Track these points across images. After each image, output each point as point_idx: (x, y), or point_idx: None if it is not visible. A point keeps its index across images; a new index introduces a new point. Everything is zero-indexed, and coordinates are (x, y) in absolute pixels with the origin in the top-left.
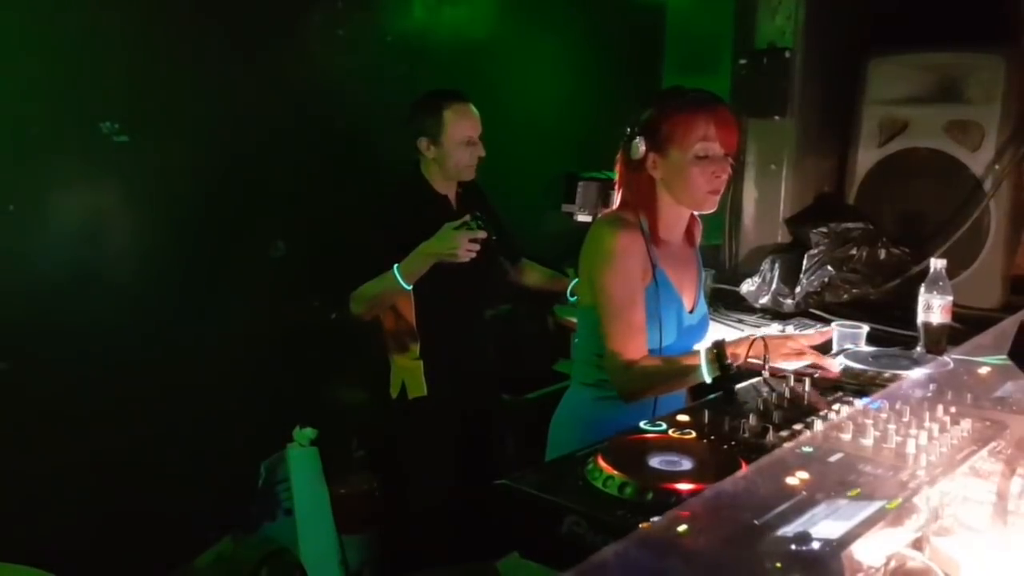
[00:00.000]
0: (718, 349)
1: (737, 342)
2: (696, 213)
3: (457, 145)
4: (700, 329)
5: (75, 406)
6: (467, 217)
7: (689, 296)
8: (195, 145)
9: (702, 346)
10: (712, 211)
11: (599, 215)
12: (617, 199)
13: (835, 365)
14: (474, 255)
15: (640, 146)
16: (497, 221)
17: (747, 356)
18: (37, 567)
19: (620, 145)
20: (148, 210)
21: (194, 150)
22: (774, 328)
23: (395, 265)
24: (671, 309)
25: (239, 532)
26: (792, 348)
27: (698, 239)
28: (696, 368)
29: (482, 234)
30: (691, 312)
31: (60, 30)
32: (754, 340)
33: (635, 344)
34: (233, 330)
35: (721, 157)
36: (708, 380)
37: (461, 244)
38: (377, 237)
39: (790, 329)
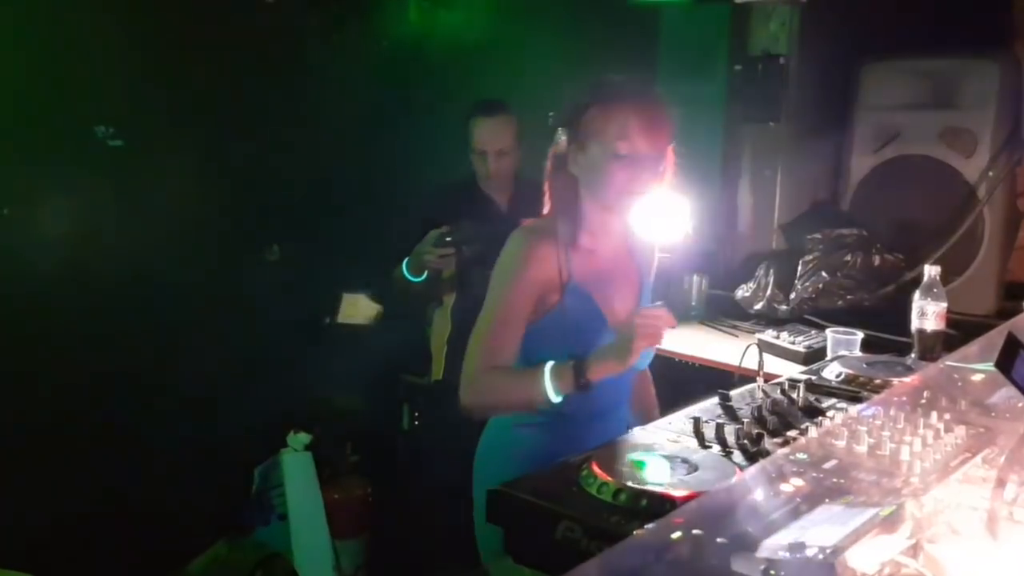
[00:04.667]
0: (576, 367)
1: (594, 360)
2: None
3: (475, 155)
4: None
5: (70, 409)
6: (444, 228)
7: (618, 313)
8: (190, 149)
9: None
10: (629, 215)
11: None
12: (546, 203)
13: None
14: (442, 267)
15: (560, 138)
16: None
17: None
18: (30, 572)
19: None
20: (143, 214)
21: (189, 154)
22: (768, 334)
23: (405, 259)
24: (588, 326)
25: (233, 537)
26: (641, 349)
27: (646, 251)
28: (540, 383)
29: (448, 250)
30: None
31: (55, 35)
32: (604, 354)
33: (495, 356)
34: (227, 335)
35: (644, 156)
36: (555, 399)
37: (430, 254)
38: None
39: (785, 335)
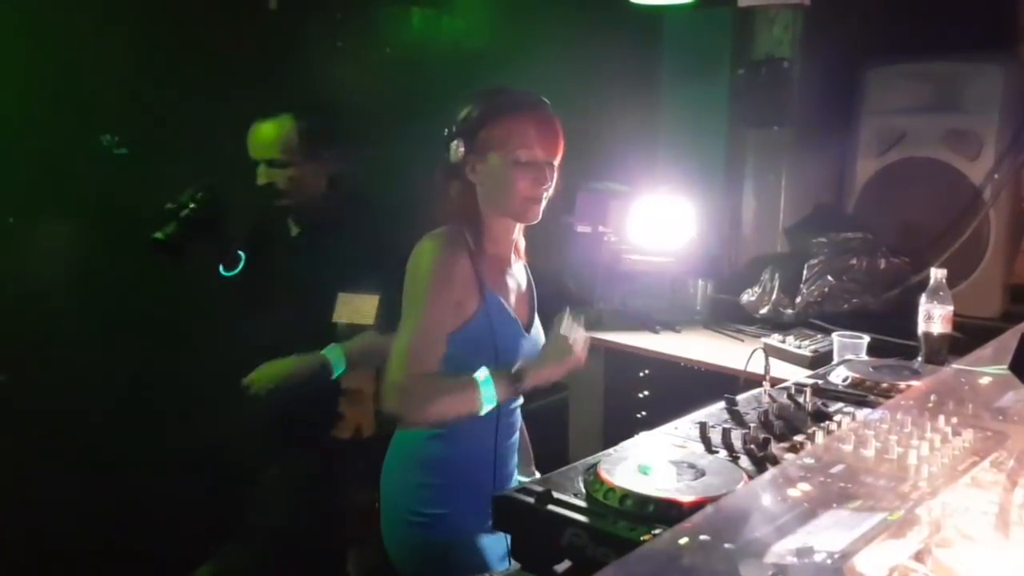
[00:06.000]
0: (518, 372)
1: (544, 362)
2: (520, 225)
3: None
4: (536, 351)
5: (72, 419)
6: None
7: (524, 316)
8: (194, 157)
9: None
10: (534, 222)
11: (427, 234)
12: (440, 212)
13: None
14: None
15: (459, 148)
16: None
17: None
18: None
19: (439, 151)
20: (146, 222)
21: (193, 162)
22: (774, 338)
23: None
24: (508, 332)
25: (238, 544)
26: (576, 348)
27: (522, 253)
28: (476, 391)
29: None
30: (529, 333)
31: (60, 42)
32: (559, 364)
33: (422, 364)
34: (230, 341)
35: (543, 163)
36: (489, 406)
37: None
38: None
39: (791, 339)
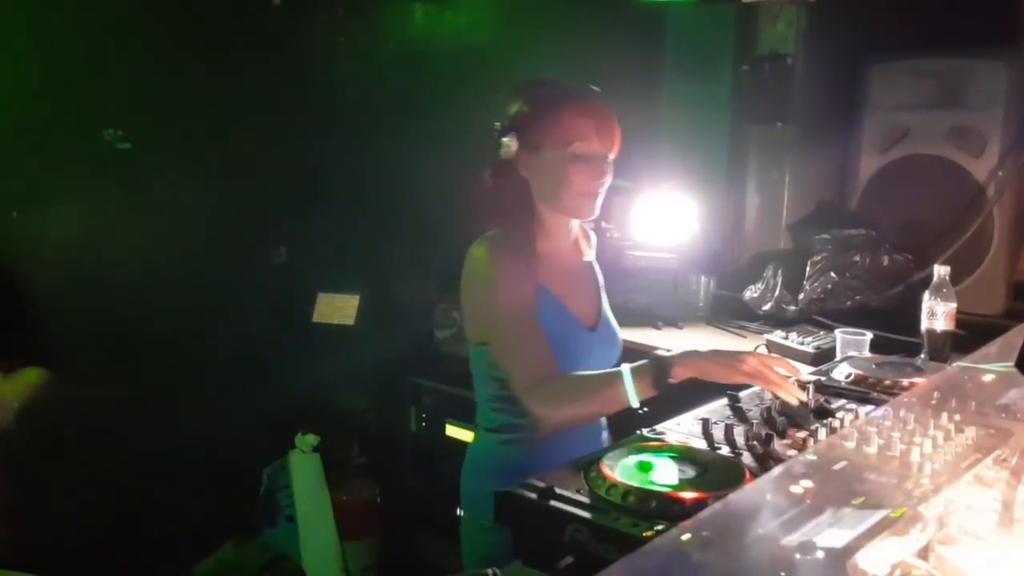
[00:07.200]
0: (659, 365)
1: (685, 357)
2: (578, 222)
3: None
4: (608, 349)
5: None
6: None
7: (586, 313)
8: (197, 152)
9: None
10: (591, 218)
11: (475, 241)
12: (489, 211)
13: (796, 393)
14: None
15: (511, 144)
16: None
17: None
18: (34, 573)
19: (489, 147)
20: (150, 217)
21: (196, 157)
22: (777, 335)
23: None
24: (562, 330)
25: (241, 538)
26: (748, 369)
27: (590, 250)
28: (620, 386)
29: None
30: (593, 330)
31: (63, 38)
32: (701, 354)
33: (543, 366)
34: (235, 336)
35: (600, 157)
36: (635, 404)
37: None
38: None
39: (794, 336)
